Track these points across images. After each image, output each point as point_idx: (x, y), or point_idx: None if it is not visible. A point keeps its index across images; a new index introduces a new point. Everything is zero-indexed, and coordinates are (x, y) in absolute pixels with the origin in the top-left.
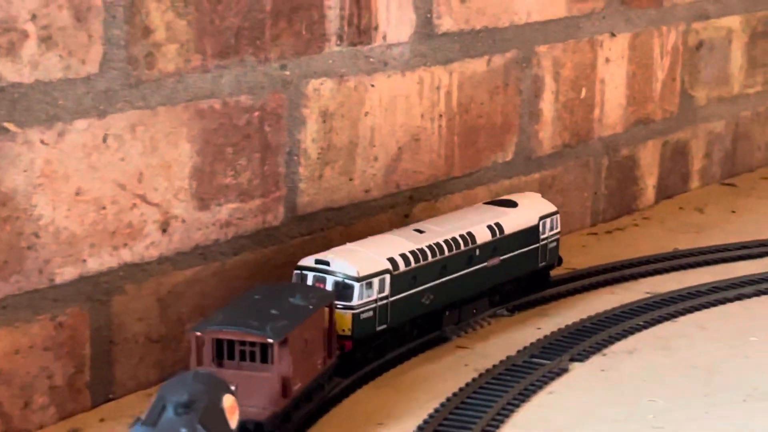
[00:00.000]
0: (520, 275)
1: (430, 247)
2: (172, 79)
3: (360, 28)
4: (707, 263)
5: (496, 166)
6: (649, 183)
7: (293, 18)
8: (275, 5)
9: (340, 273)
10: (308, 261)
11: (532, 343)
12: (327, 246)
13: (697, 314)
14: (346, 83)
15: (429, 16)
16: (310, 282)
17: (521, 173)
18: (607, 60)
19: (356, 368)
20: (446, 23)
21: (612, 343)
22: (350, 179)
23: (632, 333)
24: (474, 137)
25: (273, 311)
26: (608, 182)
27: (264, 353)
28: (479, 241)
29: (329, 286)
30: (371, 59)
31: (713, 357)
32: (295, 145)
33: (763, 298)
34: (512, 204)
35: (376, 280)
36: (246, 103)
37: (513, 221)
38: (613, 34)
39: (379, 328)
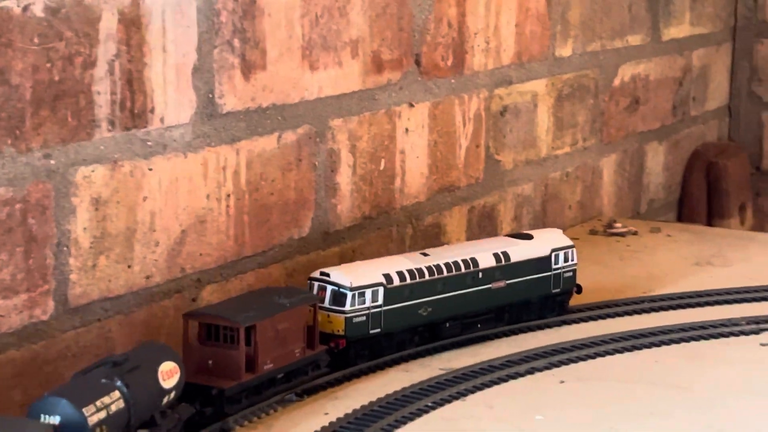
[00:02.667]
0: (530, 299)
1: (428, 267)
2: None
3: (134, 111)
4: (505, 334)
5: (291, 243)
6: None
7: (57, 105)
8: (36, 93)
9: (336, 283)
10: (316, 274)
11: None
12: (105, 338)
13: (487, 391)
14: (120, 169)
15: (211, 95)
16: (315, 290)
17: (319, 248)
18: (407, 130)
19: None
20: (230, 102)
21: (398, 426)
22: (129, 266)
23: (420, 415)
24: (266, 215)
25: (254, 305)
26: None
27: (234, 336)
28: (482, 265)
29: (328, 294)
30: (148, 143)
31: None
32: (65, 236)
33: (554, 370)
34: (528, 237)
35: (369, 291)
36: (6, 195)
37: (522, 251)
38: (411, 105)
39: (372, 332)
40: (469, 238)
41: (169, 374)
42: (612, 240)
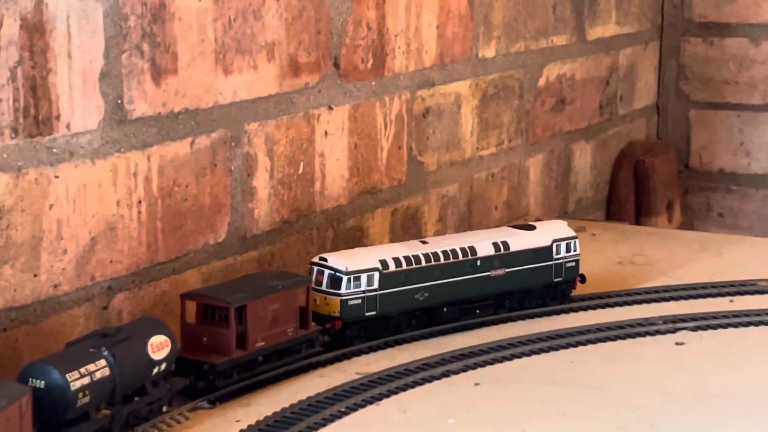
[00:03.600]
0: (530, 287)
1: (425, 254)
2: None
3: (38, 118)
4: (423, 337)
5: (207, 248)
6: None
7: None
8: None
9: (333, 268)
10: (316, 259)
11: None
12: (12, 347)
13: (401, 395)
14: (24, 176)
15: (120, 101)
16: (314, 274)
17: (236, 253)
18: (326, 133)
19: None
20: (140, 107)
21: None
22: (35, 275)
23: (332, 421)
24: (180, 221)
25: (247, 287)
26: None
27: (226, 315)
28: (480, 253)
29: (326, 278)
30: (54, 150)
31: None
32: None
33: (470, 372)
34: (531, 228)
35: (364, 276)
36: None
37: (522, 241)
38: (330, 108)
39: (367, 314)
40: (392, 241)
41: (159, 347)
42: None
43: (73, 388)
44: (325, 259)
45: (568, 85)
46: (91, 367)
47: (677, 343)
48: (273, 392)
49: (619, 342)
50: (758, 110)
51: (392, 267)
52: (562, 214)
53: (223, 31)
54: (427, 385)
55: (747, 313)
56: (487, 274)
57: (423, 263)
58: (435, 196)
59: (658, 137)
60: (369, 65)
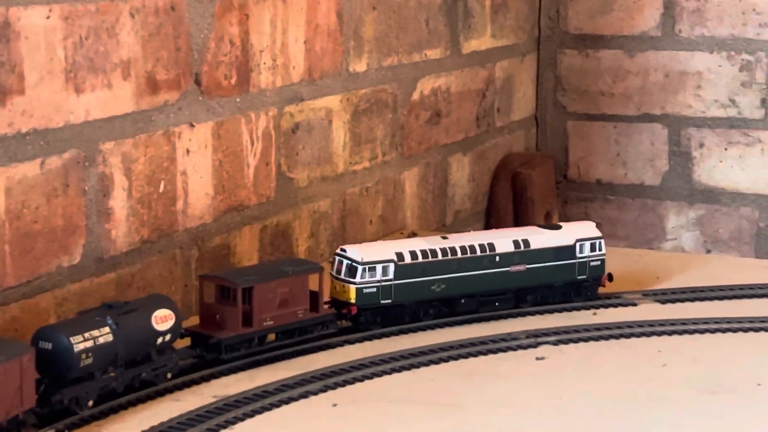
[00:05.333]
0: (552, 283)
1: (442, 248)
2: None
3: None
4: (284, 358)
5: (61, 271)
6: None
7: None
8: None
9: (351, 258)
10: (339, 250)
11: None
12: None
13: (258, 418)
14: None
15: None
16: (336, 263)
17: (93, 275)
18: (188, 151)
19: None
20: None
21: None
22: None
23: None
24: (30, 244)
25: (260, 272)
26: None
27: (235, 295)
28: (499, 249)
29: (344, 267)
30: None
31: None
32: None
33: (329, 393)
34: (557, 228)
35: (379, 266)
36: None
37: (544, 239)
38: (192, 125)
39: (383, 302)
40: (261, 258)
41: (163, 319)
42: None
43: (76, 350)
44: (344, 250)
45: (443, 98)
46: (95, 332)
47: (538, 358)
48: (125, 418)
49: (481, 358)
50: (633, 121)
51: (408, 259)
52: (440, 227)
53: (74, 49)
54: (285, 407)
55: (609, 326)
56: (506, 269)
57: (440, 257)
58: (306, 212)
59: (537, 149)
60: (233, 81)
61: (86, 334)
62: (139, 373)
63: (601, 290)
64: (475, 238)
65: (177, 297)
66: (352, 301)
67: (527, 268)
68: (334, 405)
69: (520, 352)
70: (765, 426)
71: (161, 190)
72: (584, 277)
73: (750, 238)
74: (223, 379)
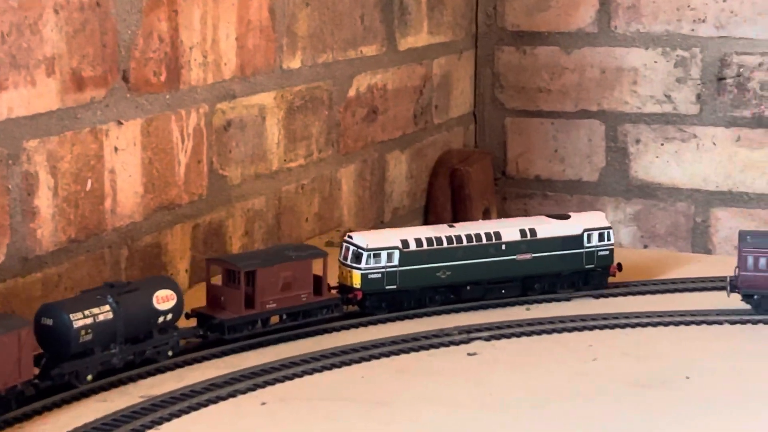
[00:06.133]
0: (560, 272)
1: (447, 236)
2: None
3: None
4: (214, 357)
5: None
6: (181, 267)
7: None
8: None
9: (356, 245)
10: (346, 237)
11: None
12: None
13: (185, 418)
14: None
15: None
16: (343, 250)
17: (17, 275)
18: (117, 149)
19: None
20: None
21: None
22: None
23: None
24: None
25: (264, 256)
26: (130, 272)
27: (238, 278)
28: (505, 238)
29: (350, 253)
30: None
31: None
32: None
33: (258, 392)
34: (565, 217)
35: (384, 253)
36: None
37: (551, 229)
38: (120, 122)
39: (388, 288)
40: (194, 257)
41: (164, 299)
42: None
43: (75, 326)
44: (351, 237)
45: (380, 95)
46: (95, 310)
47: (470, 354)
48: (51, 419)
49: (413, 354)
50: (571, 117)
51: (413, 246)
52: (378, 224)
53: None
54: (212, 407)
55: (541, 321)
56: (512, 257)
57: (445, 244)
58: (240, 209)
59: (476, 145)
60: (162, 78)
61: (86, 312)
62: (140, 350)
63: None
64: (482, 226)
65: None
66: (357, 286)
67: (534, 257)
68: (263, 404)
69: (452, 348)
70: (693, 419)
71: (88, 188)
72: (592, 266)
73: (686, 233)
74: (151, 380)
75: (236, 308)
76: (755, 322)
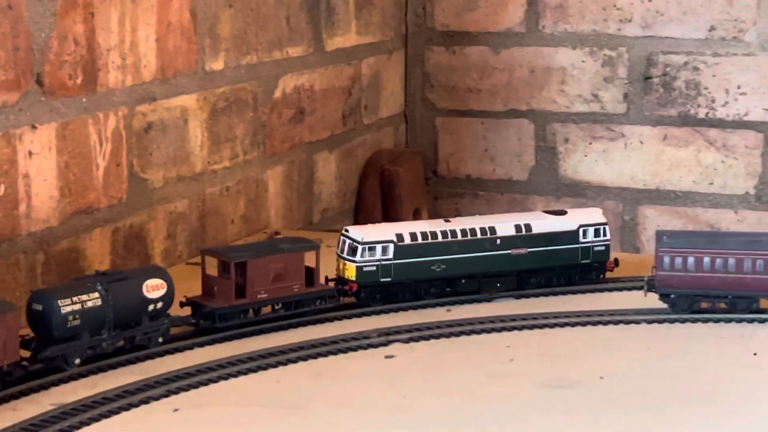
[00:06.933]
0: (555, 266)
1: (443, 231)
2: None
3: None
4: (129, 363)
5: None
6: None
7: None
8: None
9: (352, 238)
10: (343, 230)
11: None
12: None
13: (95, 426)
14: None
15: None
16: (340, 243)
17: None
18: (31, 153)
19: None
20: None
21: None
22: None
23: None
24: None
25: (257, 248)
26: (46, 278)
27: (229, 269)
28: (500, 233)
29: (346, 246)
30: None
31: None
32: None
33: (171, 398)
34: (562, 213)
35: (379, 246)
36: None
37: (546, 224)
38: (34, 127)
39: (382, 280)
40: (113, 261)
41: (154, 287)
42: None
43: (63, 312)
44: (348, 231)
45: (306, 96)
46: (84, 297)
47: (387, 356)
48: None
49: (331, 358)
50: (500, 117)
51: (408, 240)
52: (307, 225)
53: None
54: (125, 414)
55: (461, 323)
56: (507, 252)
57: (439, 238)
58: (162, 212)
59: (407, 145)
60: (78, 81)
61: (74, 298)
62: (130, 336)
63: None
64: (477, 221)
65: (22, 303)
66: (353, 278)
67: (529, 252)
68: (175, 410)
69: (370, 350)
70: (606, 419)
71: (1, 193)
72: (588, 261)
73: (615, 231)
74: (63, 387)
75: (227, 298)
76: (672, 321)
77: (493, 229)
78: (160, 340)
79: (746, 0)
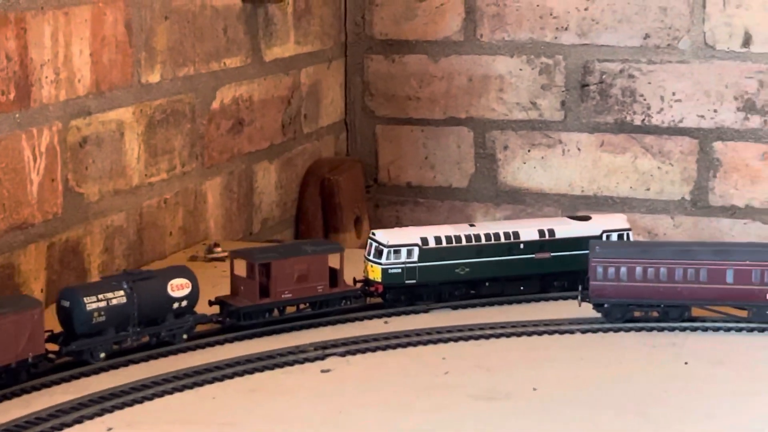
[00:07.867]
0: (578, 271)
1: (467, 235)
2: None
3: None
4: (63, 381)
5: None
6: (36, 288)
7: None
8: None
9: (378, 241)
10: (371, 234)
11: None
12: None
13: None
14: None
15: None
16: (367, 246)
17: None
18: None
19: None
20: None
21: None
22: None
23: None
24: None
25: (282, 251)
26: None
27: (254, 270)
28: (524, 238)
29: (373, 249)
30: None
31: None
32: None
33: (105, 417)
34: (586, 218)
35: (404, 249)
36: None
37: (571, 229)
38: None
39: (407, 282)
40: (50, 276)
41: (179, 287)
42: (210, 266)
43: (88, 308)
44: (374, 234)
45: (245, 106)
46: (109, 294)
47: (323, 371)
48: None
49: (267, 373)
50: (440, 125)
51: (432, 244)
52: (247, 235)
53: None
54: (68, 430)
55: (398, 335)
56: (531, 256)
57: (463, 242)
58: (99, 227)
59: (348, 154)
60: (11, 97)
61: (100, 296)
62: (154, 333)
63: None
64: (501, 226)
65: None
66: (379, 280)
67: (552, 256)
68: (109, 429)
69: (306, 365)
70: (539, 430)
71: None
72: None
73: None
74: None
75: (252, 297)
76: (605, 331)
77: (516, 234)
78: (185, 336)
79: (680, 8)
